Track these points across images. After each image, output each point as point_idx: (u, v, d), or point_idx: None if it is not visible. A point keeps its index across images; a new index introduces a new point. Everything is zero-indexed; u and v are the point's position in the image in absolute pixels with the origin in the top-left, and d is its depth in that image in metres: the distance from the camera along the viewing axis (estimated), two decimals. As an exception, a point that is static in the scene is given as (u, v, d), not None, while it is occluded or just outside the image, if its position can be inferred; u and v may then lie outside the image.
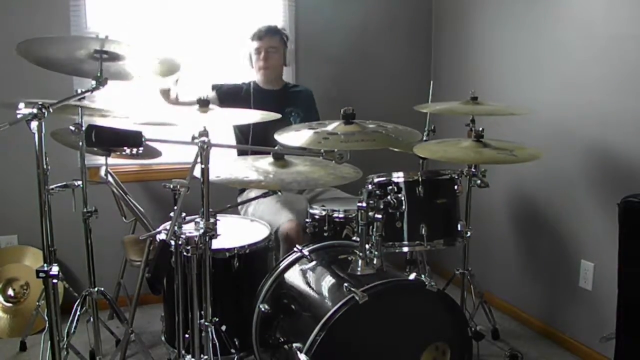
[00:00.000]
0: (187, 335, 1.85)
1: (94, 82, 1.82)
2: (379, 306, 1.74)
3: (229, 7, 3.18)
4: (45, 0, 2.83)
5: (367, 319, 1.74)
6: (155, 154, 2.54)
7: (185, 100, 2.79)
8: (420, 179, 2.00)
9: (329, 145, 1.72)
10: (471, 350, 1.90)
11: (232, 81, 2.97)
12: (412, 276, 1.88)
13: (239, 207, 2.78)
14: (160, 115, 2.19)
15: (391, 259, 2.01)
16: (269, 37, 2.82)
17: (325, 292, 1.92)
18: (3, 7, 2.78)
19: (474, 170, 2.41)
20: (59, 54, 1.91)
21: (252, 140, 2.76)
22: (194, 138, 1.61)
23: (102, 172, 2.45)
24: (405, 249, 2.06)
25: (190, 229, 1.73)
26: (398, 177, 2.01)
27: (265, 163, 1.97)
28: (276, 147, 1.92)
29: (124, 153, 1.56)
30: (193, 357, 1.79)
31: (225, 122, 2.54)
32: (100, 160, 2.41)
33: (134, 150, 1.53)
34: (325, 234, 2.34)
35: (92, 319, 2.32)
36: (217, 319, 1.80)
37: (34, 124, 1.48)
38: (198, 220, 1.69)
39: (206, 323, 1.75)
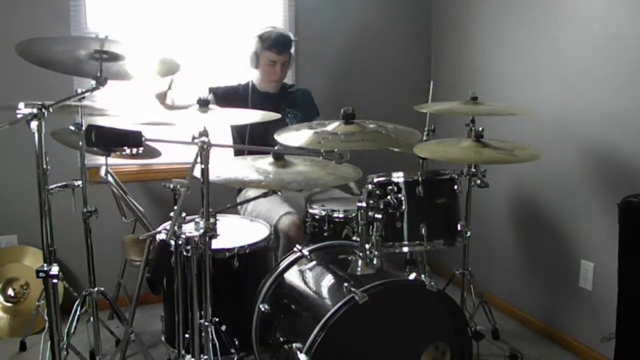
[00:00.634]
0: (187, 335, 1.85)
1: (94, 82, 1.82)
2: (379, 306, 1.74)
3: (228, 7, 3.18)
4: (45, 0, 2.83)
5: (367, 319, 1.74)
6: (155, 154, 2.54)
7: (181, 104, 2.76)
8: (420, 179, 2.00)
9: (329, 145, 1.72)
10: (471, 350, 1.90)
11: (229, 82, 2.96)
12: (412, 276, 1.89)
13: (238, 207, 2.78)
14: (160, 115, 2.19)
15: (391, 259, 2.01)
16: (286, 52, 2.79)
17: (325, 292, 1.92)
18: (3, 7, 2.78)
19: (474, 170, 2.41)
20: (59, 54, 1.91)
21: (249, 140, 2.76)
22: (194, 138, 1.61)
23: (102, 172, 2.45)
24: (405, 249, 2.05)
25: (190, 229, 1.73)
26: (398, 177, 2.01)
27: (265, 163, 1.97)
28: (276, 147, 1.92)
29: (124, 153, 1.55)
30: (193, 357, 1.80)
31: (225, 122, 2.54)
32: (100, 160, 2.42)
33: (134, 150, 1.53)
34: (325, 234, 2.34)
35: (92, 319, 2.32)
36: (217, 319, 1.80)
37: (34, 124, 1.48)
38: (198, 220, 1.69)
39: (206, 323, 1.75)
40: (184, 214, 1.75)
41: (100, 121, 2.25)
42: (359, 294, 1.69)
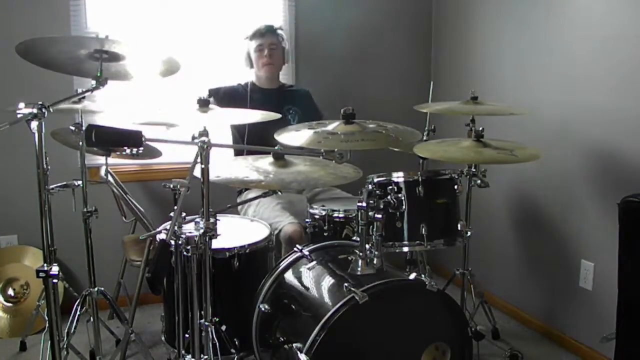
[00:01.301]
0: (187, 335, 1.85)
1: (94, 82, 1.82)
2: (379, 306, 1.74)
3: (228, 7, 3.18)
4: (45, 0, 2.83)
5: (367, 319, 1.74)
6: (155, 154, 2.54)
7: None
8: (420, 179, 2.00)
9: (329, 145, 1.72)
10: (471, 350, 1.90)
11: (229, 83, 2.97)
12: (412, 276, 1.88)
13: (239, 208, 2.78)
14: (160, 116, 2.19)
15: (391, 259, 2.01)
16: (270, 35, 2.87)
17: (326, 292, 1.92)
18: (3, 7, 2.78)
19: (474, 170, 2.41)
20: (59, 54, 1.91)
21: (249, 139, 2.76)
22: (194, 138, 1.61)
23: (102, 172, 2.44)
24: (405, 249, 2.06)
25: (190, 229, 1.73)
26: (398, 177, 2.01)
27: (265, 163, 1.97)
28: (277, 147, 1.92)
29: (124, 153, 1.55)
30: (193, 357, 1.79)
31: (225, 122, 2.54)
32: (100, 160, 2.41)
33: (134, 150, 1.53)
34: (325, 234, 2.34)
35: (92, 319, 2.31)
36: (217, 319, 1.80)
37: (34, 124, 1.49)
38: (198, 220, 1.69)
39: (206, 323, 1.75)
40: (184, 214, 1.75)
41: (100, 121, 2.25)
42: (359, 293, 1.68)
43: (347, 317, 1.69)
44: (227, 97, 2.85)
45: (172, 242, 1.80)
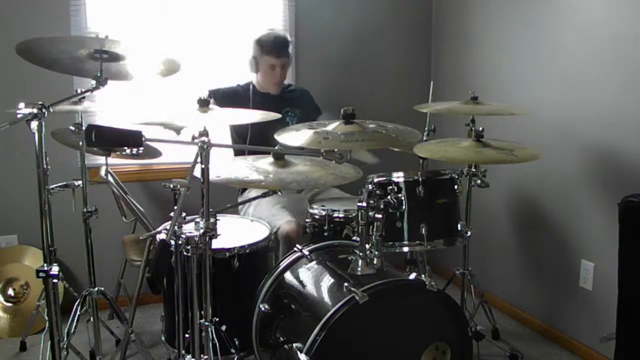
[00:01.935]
0: (187, 335, 1.85)
1: (94, 82, 1.82)
2: (379, 306, 1.74)
3: (228, 7, 3.18)
4: (45, 0, 2.83)
5: (367, 319, 1.74)
6: (155, 154, 2.54)
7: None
8: (420, 179, 2.00)
9: (329, 145, 1.72)
10: (471, 350, 1.90)
11: (228, 84, 2.96)
12: (412, 276, 1.89)
13: (239, 207, 2.78)
14: (160, 116, 2.19)
15: (391, 259, 2.01)
16: (285, 55, 2.81)
17: (326, 292, 1.92)
18: (3, 7, 2.78)
19: (474, 170, 2.41)
20: (59, 54, 1.91)
21: (251, 141, 2.76)
22: (194, 138, 1.61)
23: (102, 172, 2.44)
24: (406, 249, 2.06)
25: (190, 229, 1.73)
26: (398, 177, 2.01)
27: (265, 163, 1.97)
28: (276, 147, 1.92)
29: (124, 153, 1.56)
30: (193, 357, 1.79)
31: (225, 122, 2.53)
32: (100, 160, 2.41)
33: (134, 150, 1.53)
34: (325, 234, 2.34)
35: (92, 319, 2.31)
36: (217, 319, 1.80)
37: (34, 124, 1.48)
38: (198, 220, 1.69)
39: (206, 323, 1.75)
40: (184, 214, 1.75)
41: (100, 121, 2.25)
42: (359, 293, 1.68)
43: (347, 317, 1.69)
44: (227, 98, 2.85)
45: (172, 242, 1.81)
